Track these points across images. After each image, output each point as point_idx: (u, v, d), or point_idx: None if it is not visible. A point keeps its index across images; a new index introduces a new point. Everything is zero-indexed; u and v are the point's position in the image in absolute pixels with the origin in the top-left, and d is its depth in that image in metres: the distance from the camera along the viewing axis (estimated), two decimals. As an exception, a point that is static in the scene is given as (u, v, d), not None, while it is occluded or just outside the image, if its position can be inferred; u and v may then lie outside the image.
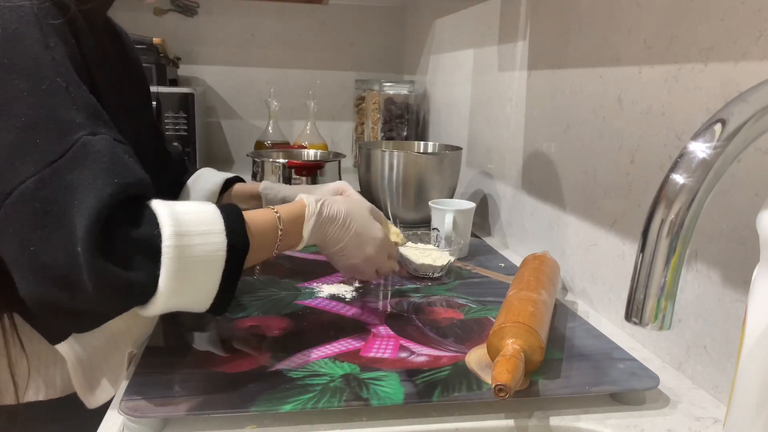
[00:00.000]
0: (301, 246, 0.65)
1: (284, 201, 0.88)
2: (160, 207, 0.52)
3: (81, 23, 0.59)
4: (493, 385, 0.51)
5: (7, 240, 0.48)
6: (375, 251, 0.70)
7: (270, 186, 0.93)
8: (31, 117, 0.49)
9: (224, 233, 0.53)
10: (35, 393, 0.64)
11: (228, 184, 0.94)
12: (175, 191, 0.91)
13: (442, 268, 0.88)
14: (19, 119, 0.48)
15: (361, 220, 0.69)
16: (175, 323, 0.69)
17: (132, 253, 0.49)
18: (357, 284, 0.83)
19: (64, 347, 0.62)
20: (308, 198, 0.66)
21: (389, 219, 1.15)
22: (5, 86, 0.49)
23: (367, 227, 0.70)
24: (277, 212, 0.62)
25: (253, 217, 0.59)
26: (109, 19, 0.74)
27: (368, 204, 0.73)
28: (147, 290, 0.50)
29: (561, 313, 0.76)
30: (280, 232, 0.62)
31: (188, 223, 0.52)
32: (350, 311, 0.74)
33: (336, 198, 0.69)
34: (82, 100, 0.52)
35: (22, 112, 0.49)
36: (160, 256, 0.49)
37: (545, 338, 0.60)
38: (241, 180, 0.97)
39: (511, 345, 0.57)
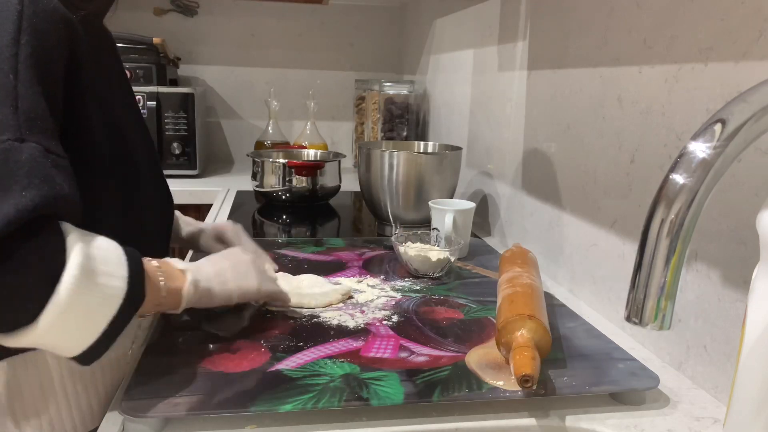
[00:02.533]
0: (177, 308, 0.61)
1: (187, 237, 0.87)
2: (74, 234, 0.49)
3: (79, 31, 0.57)
4: (519, 377, 0.52)
5: None
6: (257, 295, 0.69)
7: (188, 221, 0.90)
8: None
9: (126, 279, 0.51)
10: None
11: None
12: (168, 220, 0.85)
13: (442, 268, 0.88)
14: None
15: (233, 275, 0.66)
16: (175, 323, 0.69)
17: (25, 269, 0.45)
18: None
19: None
20: (179, 263, 0.62)
21: (389, 219, 1.15)
22: None
23: (242, 279, 0.67)
24: (162, 279, 0.58)
25: (147, 270, 0.56)
26: (104, 25, 0.73)
27: (242, 254, 0.71)
28: (25, 316, 0.45)
29: (561, 313, 0.76)
30: (163, 291, 0.57)
31: (97, 259, 0.49)
32: (351, 312, 0.74)
33: (204, 264, 0.65)
34: (27, 102, 0.49)
35: None
36: (56, 284, 0.46)
37: (548, 326, 0.61)
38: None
39: (521, 336, 0.58)
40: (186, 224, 0.89)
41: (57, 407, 0.61)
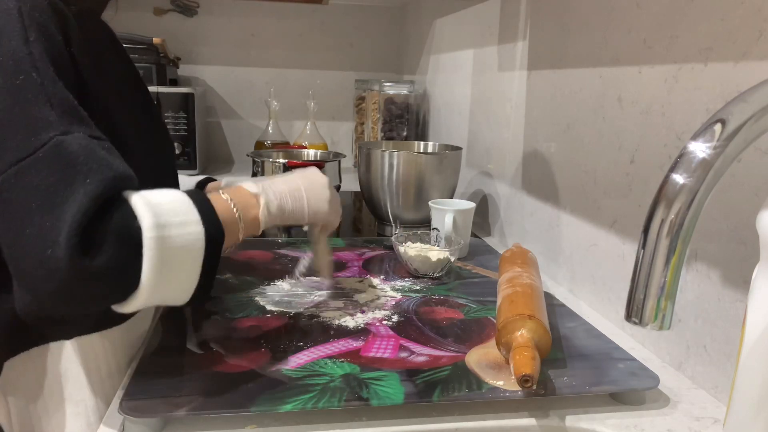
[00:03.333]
0: (258, 232, 0.64)
1: None
2: (136, 199, 0.51)
3: (72, 23, 0.57)
4: (519, 377, 0.52)
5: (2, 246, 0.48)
6: (326, 218, 0.71)
7: (232, 181, 0.92)
8: (2, 113, 0.48)
9: (200, 223, 0.53)
10: None
11: (201, 185, 0.93)
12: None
13: (442, 268, 0.88)
14: None
15: (307, 194, 0.69)
16: (174, 323, 0.69)
17: (113, 248, 0.47)
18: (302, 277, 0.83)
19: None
20: (251, 186, 0.65)
21: (389, 219, 1.15)
22: None
23: (315, 200, 0.69)
24: (230, 200, 0.61)
25: (215, 204, 0.58)
26: (103, 21, 0.73)
27: (317, 174, 0.73)
28: (130, 284, 0.49)
29: (561, 313, 0.76)
30: (240, 221, 0.60)
31: (166, 214, 0.51)
32: (351, 311, 0.74)
33: (278, 183, 0.67)
34: (58, 96, 0.50)
35: None
36: (141, 249, 0.49)
37: (548, 326, 0.61)
38: (212, 179, 0.96)
39: (521, 336, 0.58)
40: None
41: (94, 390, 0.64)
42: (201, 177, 0.95)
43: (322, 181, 0.71)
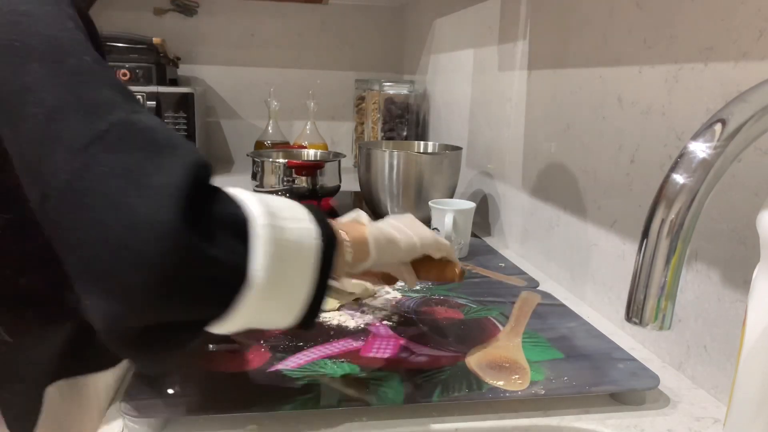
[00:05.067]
0: (368, 258, 0.55)
1: None
2: (237, 190, 0.45)
3: (87, 16, 0.52)
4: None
5: (59, 249, 0.40)
6: (436, 246, 0.63)
7: None
8: (58, 99, 0.41)
9: (313, 221, 0.47)
10: None
11: None
12: None
13: (442, 268, 0.88)
14: (45, 105, 0.41)
15: (409, 227, 0.62)
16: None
17: (222, 234, 0.40)
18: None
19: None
20: (366, 227, 0.57)
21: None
22: (20, 72, 0.41)
23: (419, 230, 0.62)
24: (341, 230, 0.53)
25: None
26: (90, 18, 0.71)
27: (405, 215, 0.67)
28: (241, 280, 0.41)
29: (561, 313, 0.76)
30: (348, 244, 0.52)
31: (276, 207, 0.45)
32: (351, 312, 0.74)
33: (375, 222, 0.61)
34: (114, 79, 0.45)
35: (47, 97, 0.41)
36: (252, 239, 0.41)
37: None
38: None
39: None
40: None
41: None
42: None
43: (411, 217, 0.64)
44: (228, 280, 0.41)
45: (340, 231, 0.51)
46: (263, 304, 0.42)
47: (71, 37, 0.44)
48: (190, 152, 0.42)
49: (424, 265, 0.63)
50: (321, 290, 0.46)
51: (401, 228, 0.60)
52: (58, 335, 0.53)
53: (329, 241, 0.47)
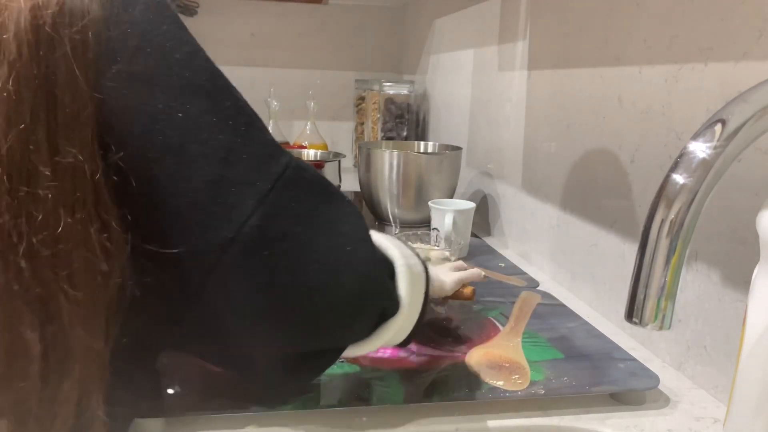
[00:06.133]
0: (440, 297, 0.68)
1: None
2: (373, 233, 0.50)
3: None
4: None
5: (240, 297, 0.41)
6: (461, 278, 0.72)
7: None
8: (230, 143, 0.40)
9: (416, 257, 0.54)
10: None
11: None
12: None
13: (442, 268, 0.88)
14: (216, 148, 0.40)
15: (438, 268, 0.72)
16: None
17: (384, 270, 0.49)
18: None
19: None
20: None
21: (390, 219, 1.15)
22: (176, 111, 0.40)
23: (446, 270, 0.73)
24: None
25: None
26: None
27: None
28: (397, 304, 0.49)
29: (561, 313, 0.76)
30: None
31: (400, 245, 0.52)
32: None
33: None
34: (260, 120, 0.45)
35: (216, 140, 0.40)
36: (397, 276, 0.50)
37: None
38: None
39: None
40: None
41: None
42: None
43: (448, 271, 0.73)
44: (392, 306, 0.49)
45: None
46: (403, 325, 0.50)
47: (217, 71, 0.44)
48: (349, 200, 0.47)
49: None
50: (424, 313, 0.53)
51: (435, 269, 0.69)
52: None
53: (428, 273, 0.55)
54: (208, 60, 0.44)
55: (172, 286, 0.41)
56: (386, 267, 0.50)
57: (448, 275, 0.70)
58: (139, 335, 0.42)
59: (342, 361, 0.61)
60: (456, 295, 0.71)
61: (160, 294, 0.41)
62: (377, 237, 0.51)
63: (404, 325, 0.51)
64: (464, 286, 0.72)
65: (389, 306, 0.49)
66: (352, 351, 0.50)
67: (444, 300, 0.72)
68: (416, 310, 0.52)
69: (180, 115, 0.40)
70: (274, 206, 0.40)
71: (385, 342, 0.50)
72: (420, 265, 0.54)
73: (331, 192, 0.45)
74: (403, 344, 0.54)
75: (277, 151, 0.43)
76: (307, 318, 0.43)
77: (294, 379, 0.52)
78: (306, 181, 0.43)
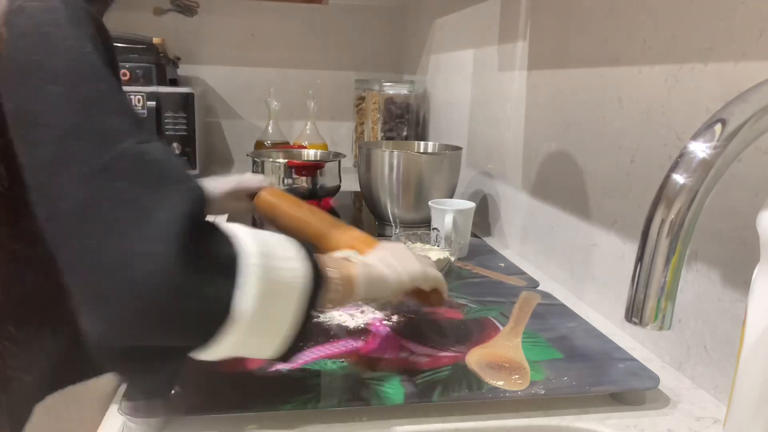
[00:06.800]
0: (352, 295, 0.57)
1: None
2: (235, 226, 0.47)
3: (105, 30, 0.52)
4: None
5: (68, 271, 0.41)
6: (425, 278, 0.64)
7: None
8: (71, 125, 0.42)
9: (303, 260, 0.49)
10: None
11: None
12: None
13: (442, 268, 0.88)
14: (57, 129, 0.42)
15: (396, 260, 0.62)
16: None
17: (213, 272, 0.43)
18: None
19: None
20: (356, 264, 0.59)
21: (390, 219, 1.15)
22: (38, 92, 0.43)
23: (406, 263, 0.63)
24: (330, 267, 0.54)
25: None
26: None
27: (394, 243, 0.70)
28: (223, 315, 0.43)
29: (561, 313, 0.76)
30: (337, 280, 0.54)
31: (270, 245, 0.47)
32: (351, 312, 0.74)
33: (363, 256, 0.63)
34: (126, 105, 0.46)
35: (60, 121, 0.42)
36: (241, 276, 0.44)
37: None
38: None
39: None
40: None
41: None
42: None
43: (401, 247, 0.67)
44: (215, 315, 0.43)
45: (328, 268, 0.53)
46: (246, 338, 0.45)
47: (89, 61, 0.45)
48: (192, 188, 0.44)
49: (414, 291, 0.65)
50: (301, 327, 0.48)
51: (392, 264, 0.61)
52: (56, 342, 0.53)
53: (315, 281, 0.49)
54: (73, 42, 0.46)
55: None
56: (214, 268, 0.43)
57: (406, 263, 0.62)
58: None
59: (342, 361, 0.61)
60: (426, 302, 0.66)
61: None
62: (245, 236, 0.46)
63: (247, 339, 0.45)
64: (434, 291, 0.65)
65: (212, 312, 0.43)
66: (199, 355, 0.45)
67: (396, 299, 0.66)
68: (275, 323, 0.46)
69: (33, 96, 0.43)
70: (94, 191, 0.41)
71: (230, 352, 0.45)
72: (295, 269, 0.48)
73: (165, 178, 0.43)
74: (282, 359, 0.49)
75: (116, 137, 0.43)
76: (106, 306, 0.41)
77: (126, 369, 0.47)
78: (138, 168, 0.43)
